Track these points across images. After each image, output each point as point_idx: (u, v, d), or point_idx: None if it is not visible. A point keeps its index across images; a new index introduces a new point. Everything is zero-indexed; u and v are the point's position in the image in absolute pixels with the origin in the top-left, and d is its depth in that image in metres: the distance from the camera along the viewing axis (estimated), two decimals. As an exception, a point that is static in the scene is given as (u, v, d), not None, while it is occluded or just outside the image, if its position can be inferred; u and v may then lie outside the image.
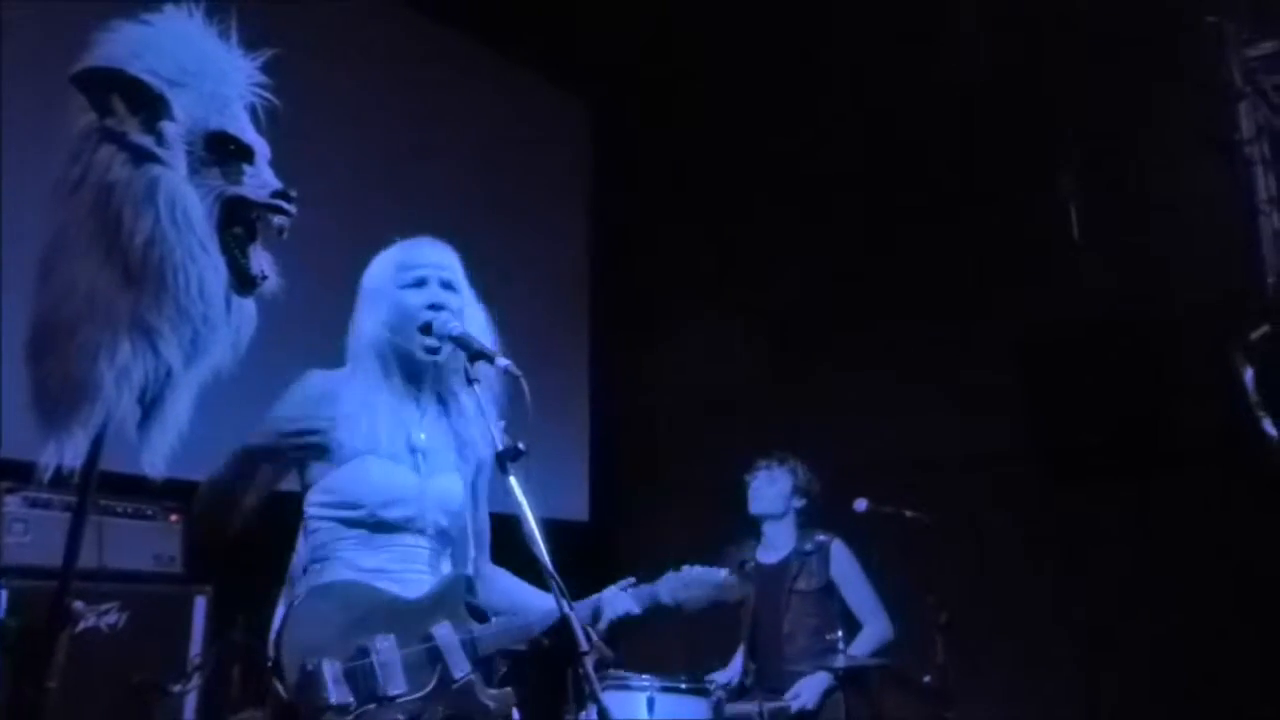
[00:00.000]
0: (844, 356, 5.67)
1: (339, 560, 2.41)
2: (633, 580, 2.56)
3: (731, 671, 4.40)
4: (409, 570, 2.44)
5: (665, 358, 6.33)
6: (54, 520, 3.44)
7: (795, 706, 4.06)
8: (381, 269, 2.57)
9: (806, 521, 4.48)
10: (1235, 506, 4.38)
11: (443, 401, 2.57)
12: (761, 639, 4.39)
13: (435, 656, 2.34)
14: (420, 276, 2.51)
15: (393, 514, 2.42)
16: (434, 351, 2.46)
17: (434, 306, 2.47)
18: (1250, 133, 4.08)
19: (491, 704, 2.38)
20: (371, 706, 2.24)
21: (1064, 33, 5.01)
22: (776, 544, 4.47)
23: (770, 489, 4.46)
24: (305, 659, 2.23)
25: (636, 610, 2.50)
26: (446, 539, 2.52)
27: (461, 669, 2.34)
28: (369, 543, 2.42)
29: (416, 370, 2.51)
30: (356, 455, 2.42)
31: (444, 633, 2.37)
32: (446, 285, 2.52)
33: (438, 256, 2.57)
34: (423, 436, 2.50)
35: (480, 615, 2.46)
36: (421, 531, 2.46)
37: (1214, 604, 4.47)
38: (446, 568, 2.51)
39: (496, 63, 6.16)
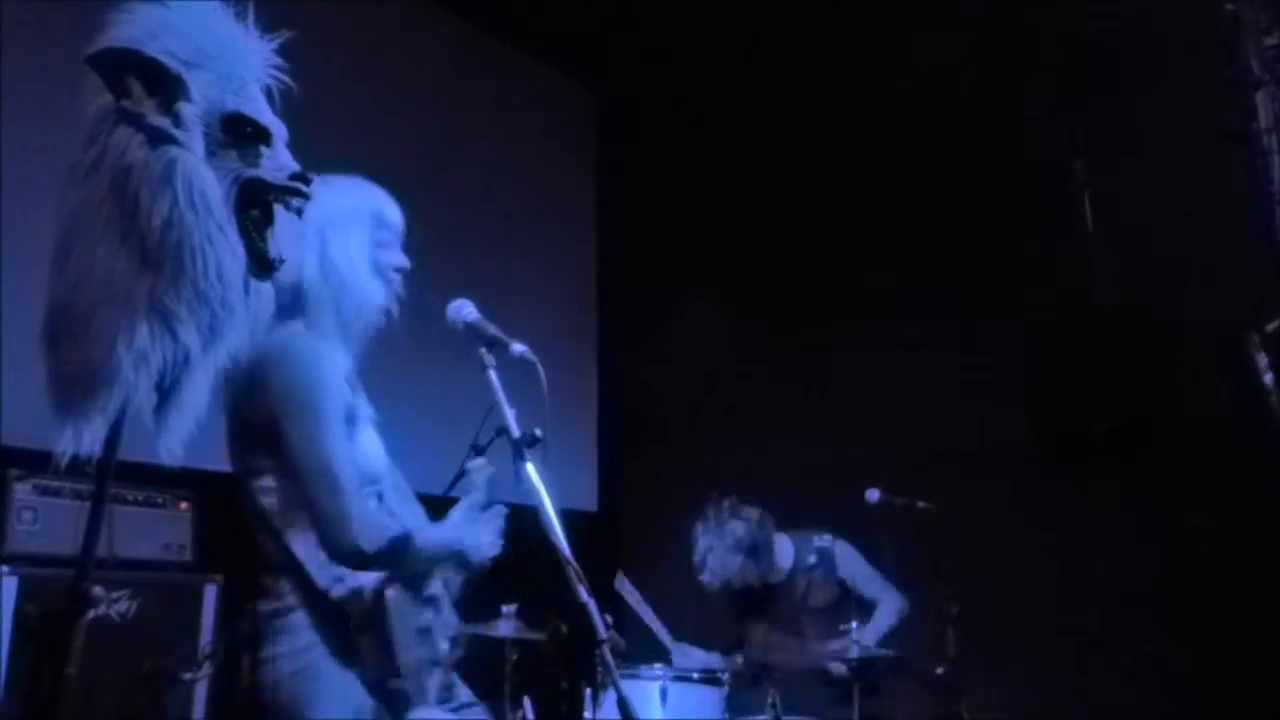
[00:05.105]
0: (849, 348, 5.64)
1: None
2: None
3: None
4: None
5: (672, 348, 6.32)
6: (63, 508, 3.44)
7: None
8: (356, 209, 2.43)
9: (798, 523, 4.39)
10: (1244, 498, 4.35)
11: None
12: (776, 645, 4.31)
13: None
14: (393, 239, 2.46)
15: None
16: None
17: (399, 269, 2.44)
18: (1268, 122, 4.02)
19: None
20: None
21: (1077, 19, 4.96)
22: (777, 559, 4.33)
23: (720, 555, 4.18)
24: None
25: None
26: None
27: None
28: None
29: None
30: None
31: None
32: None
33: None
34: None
35: None
36: None
37: (1223, 595, 4.45)
38: None
39: (506, 54, 6.15)
